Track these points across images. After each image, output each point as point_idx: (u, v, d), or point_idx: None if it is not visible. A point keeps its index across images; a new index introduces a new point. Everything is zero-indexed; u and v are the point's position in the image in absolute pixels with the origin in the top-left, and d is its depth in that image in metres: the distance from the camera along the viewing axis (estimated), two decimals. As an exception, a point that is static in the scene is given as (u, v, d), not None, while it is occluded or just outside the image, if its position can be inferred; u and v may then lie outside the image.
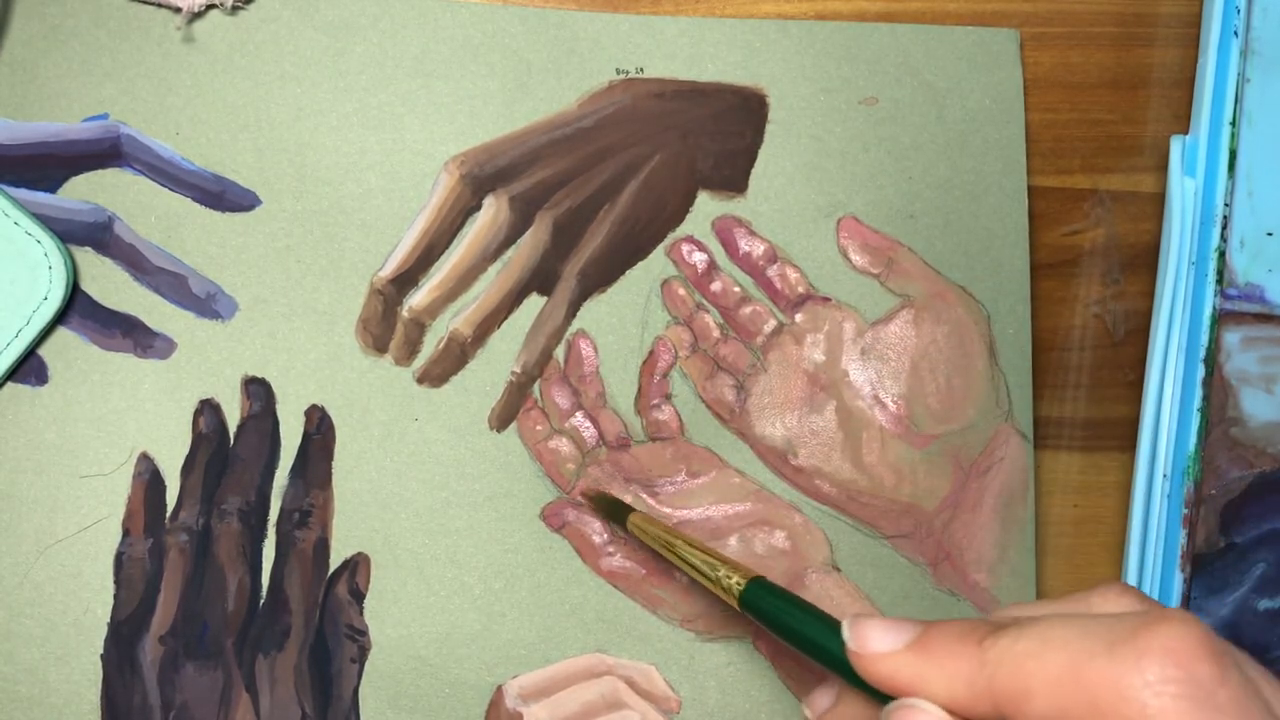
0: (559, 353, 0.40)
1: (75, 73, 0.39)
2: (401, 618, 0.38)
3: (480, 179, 0.39)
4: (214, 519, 0.38)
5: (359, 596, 0.38)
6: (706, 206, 0.40)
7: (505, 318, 0.40)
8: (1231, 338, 0.40)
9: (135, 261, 0.38)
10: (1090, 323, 0.42)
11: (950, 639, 0.25)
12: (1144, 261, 0.42)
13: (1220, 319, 0.40)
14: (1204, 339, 0.39)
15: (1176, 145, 0.40)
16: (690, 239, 0.40)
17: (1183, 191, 0.40)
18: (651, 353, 0.40)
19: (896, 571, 0.40)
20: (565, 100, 0.40)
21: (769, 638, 0.39)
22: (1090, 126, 0.42)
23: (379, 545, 0.39)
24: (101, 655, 0.37)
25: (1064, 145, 0.42)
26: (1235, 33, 0.40)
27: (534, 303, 0.40)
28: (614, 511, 0.38)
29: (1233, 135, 0.40)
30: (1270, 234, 0.40)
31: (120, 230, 0.38)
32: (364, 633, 0.38)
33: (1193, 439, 0.39)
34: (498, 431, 0.39)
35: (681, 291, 0.40)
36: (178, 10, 0.39)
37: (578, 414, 0.40)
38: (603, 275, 0.40)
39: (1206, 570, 0.40)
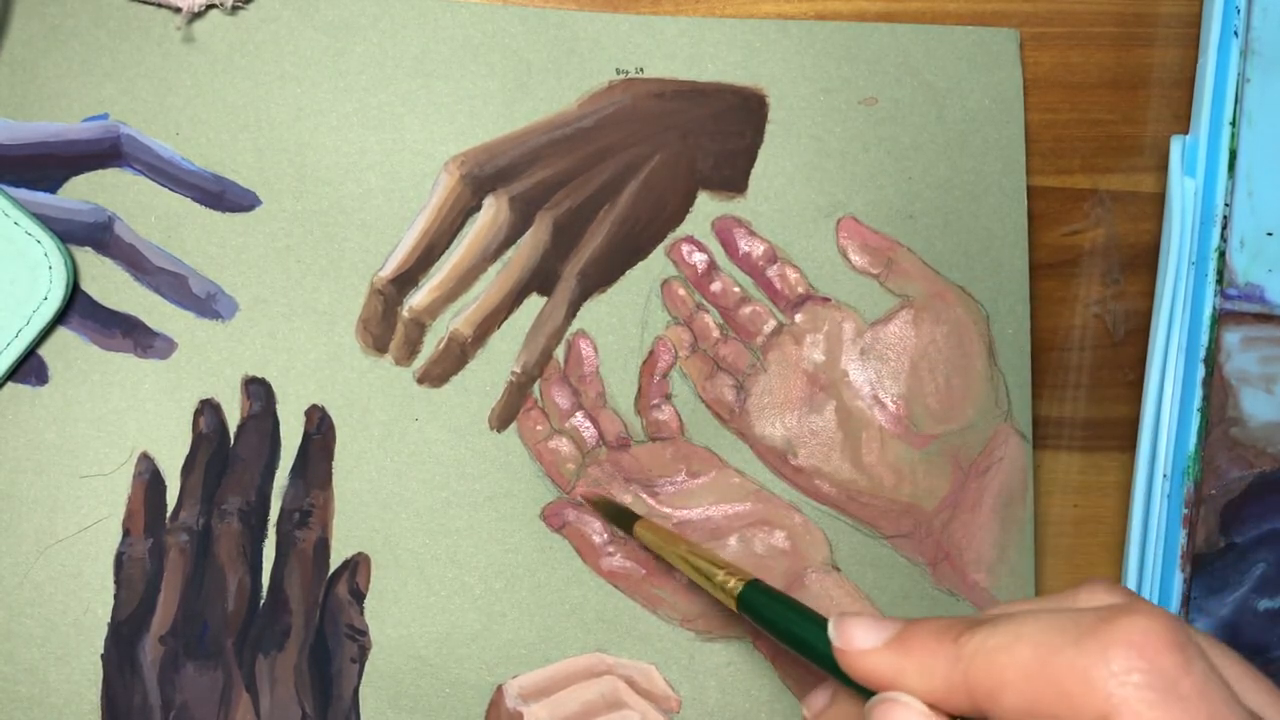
0: (559, 353, 0.40)
1: (75, 73, 0.39)
2: (402, 618, 0.38)
3: (480, 179, 0.39)
4: (214, 519, 0.38)
5: (359, 596, 0.38)
6: (706, 206, 0.40)
7: (505, 318, 0.40)
8: (1231, 338, 0.40)
9: (135, 261, 0.38)
10: (1090, 323, 0.42)
11: (928, 635, 0.25)
12: (1144, 261, 0.42)
13: (1220, 319, 0.40)
14: (1204, 339, 0.39)
15: (1176, 145, 0.40)
16: (690, 239, 0.40)
17: (1183, 191, 0.40)
18: (651, 353, 0.40)
19: (896, 571, 0.40)
20: (565, 100, 0.40)
21: (769, 638, 0.39)
22: (1090, 126, 0.42)
23: (379, 545, 0.39)
24: (101, 655, 0.37)
25: (1064, 145, 0.42)
26: (1235, 33, 0.40)
27: (534, 303, 0.40)
28: (618, 517, 0.38)
29: (1233, 135, 0.40)
30: (1270, 234, 0.40)
31: (120, 230, 0.38)
32: (364, 632, 0.38)
33: (1193, 439, 0.39)
34: (498, 431, 0.39)
35: (681, 291, 0.40)
36: (178, 10, 0.39)
37: (578, 414, 0.40)
38: (603, 275, 0.40)
39: (1206, 570, 0.40)
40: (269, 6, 0.39)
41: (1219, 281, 0.39)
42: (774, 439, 0.40)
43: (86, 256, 0.38)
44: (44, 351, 0.38)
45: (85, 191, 0.38)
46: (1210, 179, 0.40)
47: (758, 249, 0.40)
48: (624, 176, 0.40)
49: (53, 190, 0.38)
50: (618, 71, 0.40)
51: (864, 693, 0.27)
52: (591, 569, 0.39)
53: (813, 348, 0.40)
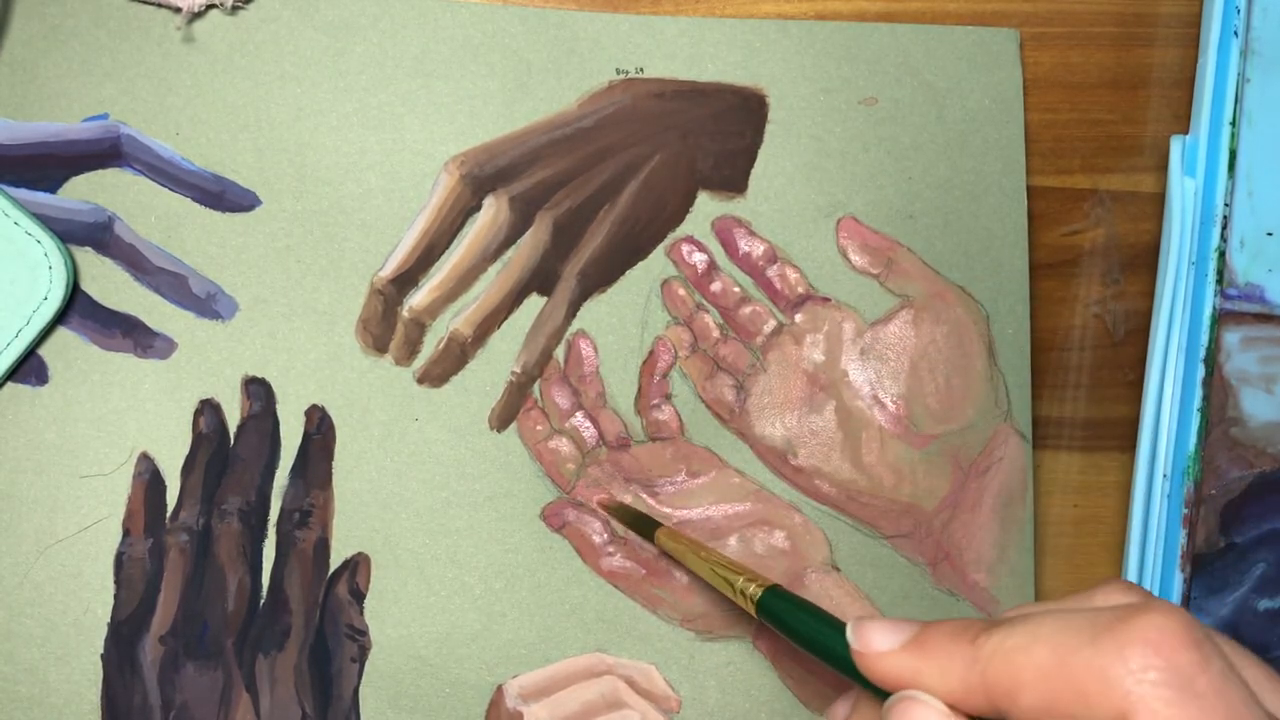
0: (559, 353, 0.40)
1: (75, 73, 0.39)
2: (402, 618, 0.38)
3: (480, 179, 0.39)
4: (214, 519, 0.38)
5: (359, 596, 0.38)
6: (706, 206, 0.40)
7: (505, 318, 0.40)
8: (1231, 338, 0.40)
9: (135, 261, 0.38)
10: (1090, 323, 0.42)
11: (945, 637, 0.26)
12: (1144, 261, 0.42)
13: (1220, 319, 0.40)
14: (1204, 339, 0.39)
15: (1176, 145, 0.40)
16: (690, 239, 0.40)
17: (1183, 191, 0.40)
18: (651, 353, 0.40)
19: (896, 571, 0.40)
20: (565, 100, 0.40)
21: (769, 637, 0.39)
22: (1090, 126, 0.42)
23: (379, 545, 0.39)
24: (101, 655, 0.37)
25: (1064, 145, 0.42)
26: (1235, 33, 0.40)
27: (534, 303, 0.40)
28: (638, 524, 0.38)
29: (1233, 135, 0.40)
30: (1270, 234, 0.40)
31: (120, 230, 0.38)
32: (364, 632, 0.38)
33: (1193, 439, 0.39)
34: (498, 431, 0.39)
35: (681, 291, 0.40)
36: (178, 10, 0.39)
37: (578, 414, 0.40)
38: (603, 275, 0.40)
39: (1206, 570, 0.40)
40: (269, 6, 0.39)
41: (1219, 281, 0.39)
42: (774, 439, 0.40)
43: (86, 256, 0.38)
44: (44, 351, 0.38)
45: (85, 191, 0.38)
46: (1210, 179, 0.40)
47: (758, 249, 0.40)
48: (624, 176, 0.40)
49: (53, 190, 0.38)
50: (618, 71, 0.40)
51: (883, 696, 0.27)
52: (591, 569, 0.39)
53: (813, 348, 0.40)
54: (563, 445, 0.39)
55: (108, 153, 0.39)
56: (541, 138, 0.40)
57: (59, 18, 0.39)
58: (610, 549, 0.39)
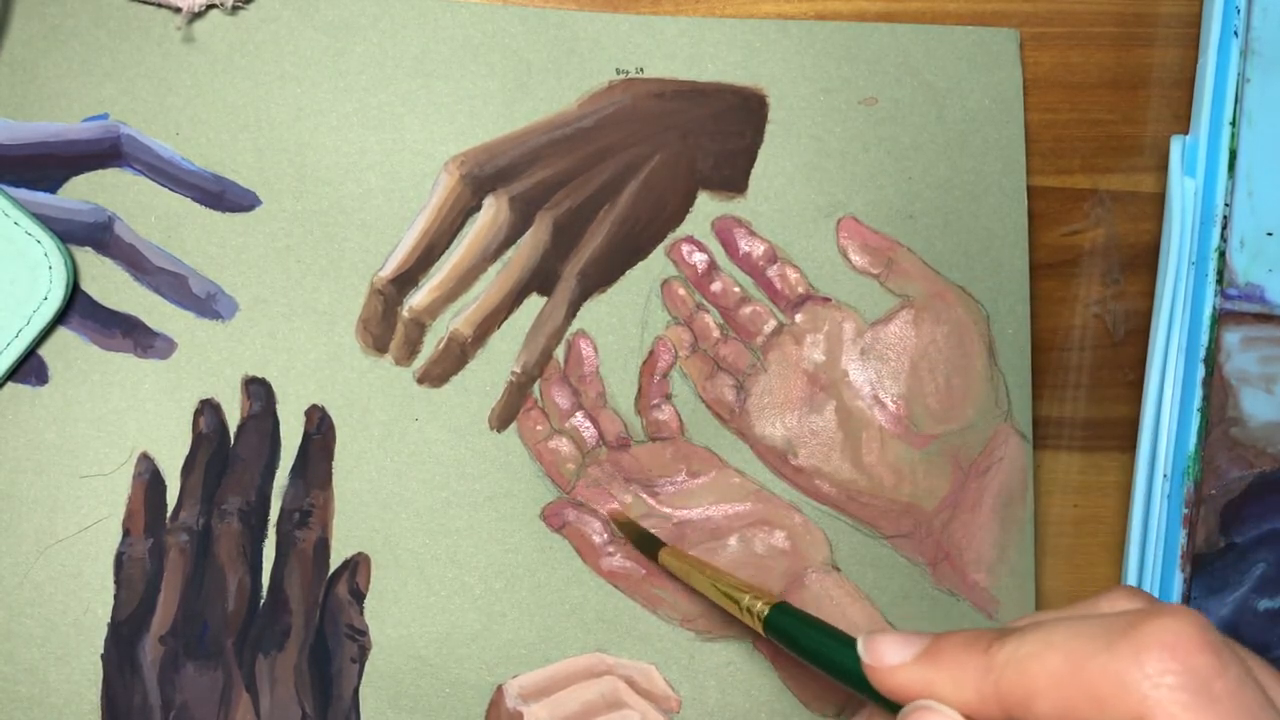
0: (559, 353, 0.40)
1: (75, 73, 0.39)
2: (402, 618, 0.38)
3: (480, 179, 0.39)
4: (214, 519, 0.38)
5: (359, 596, 0.38)
6: (706, 206, 0.40)
7: (505, 318, 0.40)
8: (1231, 338, 0.40)
9: (135, 261, 0.38)
10: (1090, 323, 0.42)
11: (957, 647, 0.25)
12: (1144, 261, 0.42)
13: (1220, 319, 0.40)
14: (1204, 339, 0.39)
15: (1176, 145, 0.40)
16: (690, 239, 0.40)
17: (1183, 191, 0.40)
18: (651, 353, 0.40)
19: (896, 571, 0.40)
20: (565, 100, 0.40)
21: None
22: (1090, 126, 0.42)
23: (379, 545, 0.39)
24: (101, 655, 0.37)
25: (1064, 145, 0.42)
26: (1235, 33, 0.40)
27: (534, 303, 0.40)
28: (643, 543, 0.38)
29: (1233, 135, 0.40)
30: (1270, 234, 0.40)
31: (120, 230, 0.38)
32: (364, 633, 0.38)
33: (1193, 439, 0.39)
34: (498, 431, 0.39)
35: (681, 291, 0.40)
36: (178, 10, 0.39)
37: (578, 414, 0.40)
38: (603, 275, 0.40)
39: (1206, 570, 0.40)
40: (269, 6, 0.39)
41: (1219, 281, 0.39)
42: (774, 439, 0.40)
43: (86, 256, 0.38)
44: (44, 351, 0.38)
45: (85, 191, 0.38)
46: (1210, 179, 0.40)
47: (758, 249, 0.40)
48: (624, 176, 0.40)
49: (53, 190, 0.38)
50: (618, 71, 0.40)
51: (894, 710, 0.27)
52: (591, 569, 0.39)
53: (813, 348, 0.40)
54: (563, 445, 0.39)
55: (108, 153, 0.39)
56: (541, 138, 0.40)
57: (59, 18, 0.39)
58: (610, 549, 0.39)
